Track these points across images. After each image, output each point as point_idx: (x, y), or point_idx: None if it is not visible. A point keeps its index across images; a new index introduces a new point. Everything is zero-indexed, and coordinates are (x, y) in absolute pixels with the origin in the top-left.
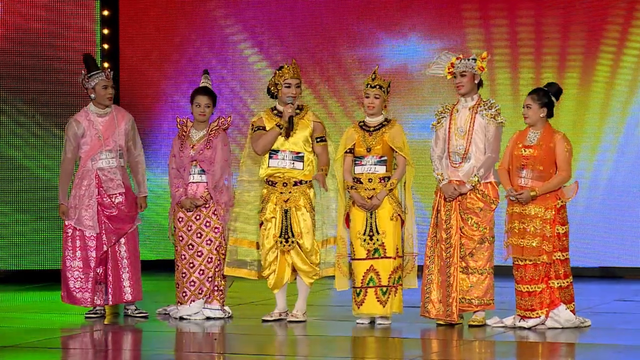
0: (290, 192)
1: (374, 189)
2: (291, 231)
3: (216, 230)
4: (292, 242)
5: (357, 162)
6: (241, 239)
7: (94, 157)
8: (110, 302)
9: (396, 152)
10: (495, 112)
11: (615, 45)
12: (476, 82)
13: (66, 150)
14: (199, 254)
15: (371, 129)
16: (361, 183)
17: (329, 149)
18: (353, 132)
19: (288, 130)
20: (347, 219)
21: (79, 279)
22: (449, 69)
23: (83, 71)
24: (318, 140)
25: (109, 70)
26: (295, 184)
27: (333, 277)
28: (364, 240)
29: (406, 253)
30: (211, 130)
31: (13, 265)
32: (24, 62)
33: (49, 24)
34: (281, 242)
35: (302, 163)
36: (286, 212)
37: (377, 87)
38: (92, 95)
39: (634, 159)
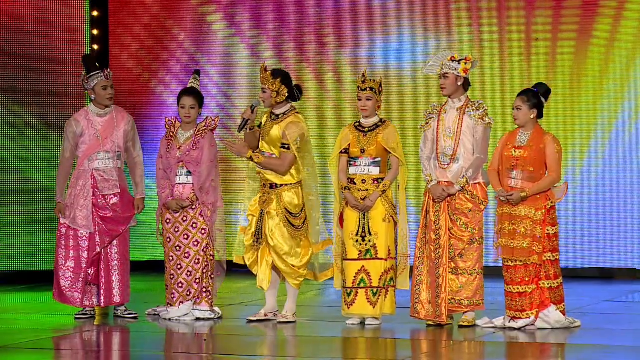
0: (267, 194)
1: (367, 190)
2: (262, 232)
3: (203, 232)
4: (261, 242)
5: (351, 162)
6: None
7: (91, 157)
8: (102, 304)
9: (390, 153)
10: (483, 112)
11: (604, 45)
12: (459, 84)
13: (64, 149)
14: (186, 255)
15: (366, 129)
16: (355, 184)
17: (299, 162)
18: (348, 133)
19: (239, 130)
20: (341, 219)
21: (70, 279)
22: (441, 69)
23: (83, 72)
24: (281, 146)
25: (108, 70)
26: (272, 186)
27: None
28: (356, 241)
29: (399, 254)
30: (198, 131)
31: (3, 266)
32: (14, 63)
33: (39, 24)
34: (254, 241)
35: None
36: (262, 213)
37: (368, 89)
38: (92, 96)
39: (623, 160)
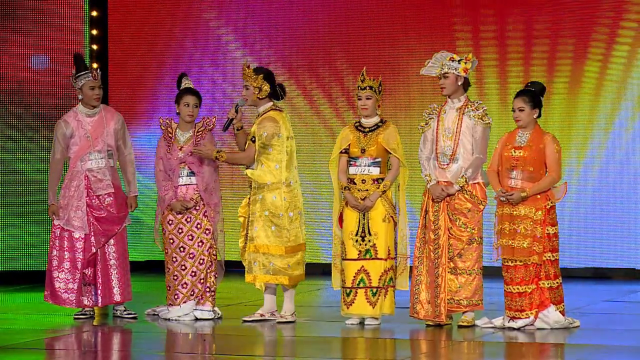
0: (254, 195)
1: (367, 190)
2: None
3: (207, 232)
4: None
5: (351, 162)
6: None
7: (83, 158)
8: (100, 304)
9: (390, 153)
10: (482, 113)
11: (603, 47)
12: (459, 83)
13: (55, 150)
14: (191, 256)
15: (366, 130)
16: (354, 184)
17: (261, 157)
18: (348, 133)
19: (224, 130)
20: (341, 219)
21: (65, 280)
22: (441, 69)
23: (73, 70)
24: (250, 139)
25: (97, 70)
26: (256, 186)
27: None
28: (356, 241)
29: (399, 255)
30: (198, 132)
31: (3, 266)
32: (14, 64)
33: (38, 25)
34: (246, 243)
35: (255, 163)
36: (250, 214)
37: (368, 88)
38: (80, 96)
39: (623, 160)
